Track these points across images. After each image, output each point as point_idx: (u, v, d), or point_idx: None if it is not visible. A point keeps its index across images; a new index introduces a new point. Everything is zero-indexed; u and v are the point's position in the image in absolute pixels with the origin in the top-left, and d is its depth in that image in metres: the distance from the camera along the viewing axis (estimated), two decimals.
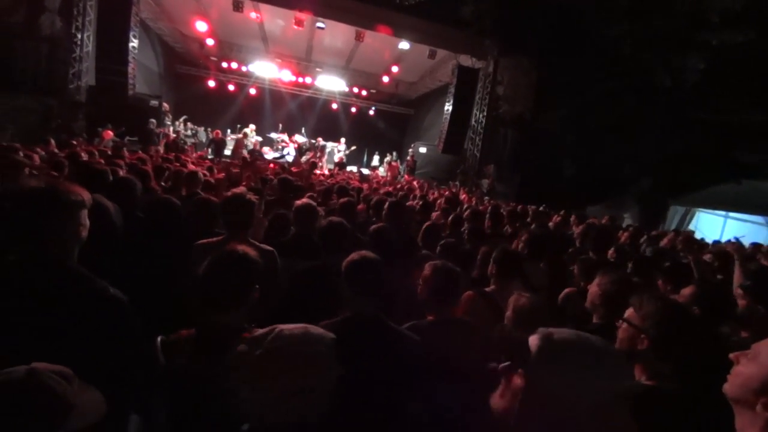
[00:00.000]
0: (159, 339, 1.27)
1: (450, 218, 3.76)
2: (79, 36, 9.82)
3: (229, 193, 2.15)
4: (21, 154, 3.82)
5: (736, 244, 3.06)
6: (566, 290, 2.43)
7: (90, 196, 1.37)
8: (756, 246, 5.28)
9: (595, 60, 11.28)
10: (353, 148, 16.04)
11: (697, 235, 8.64)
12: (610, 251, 3.79)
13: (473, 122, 13.13)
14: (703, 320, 1.70)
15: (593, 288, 1.82)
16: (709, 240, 7.51)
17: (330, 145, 15.87)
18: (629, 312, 1.38)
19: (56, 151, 5.40)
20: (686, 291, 1.84)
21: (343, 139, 16.09)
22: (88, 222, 1.35)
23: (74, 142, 6.70)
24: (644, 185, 12.88)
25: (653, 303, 1.34)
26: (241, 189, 2.24)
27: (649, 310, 1.32)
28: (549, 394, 0.84)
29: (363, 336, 1.45)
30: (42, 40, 9.37)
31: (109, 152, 5.87)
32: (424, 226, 2.90)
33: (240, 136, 13.87)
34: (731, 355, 0.92)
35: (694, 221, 13.65)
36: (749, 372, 0.85)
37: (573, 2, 10.70)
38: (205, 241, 2.01)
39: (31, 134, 7.99)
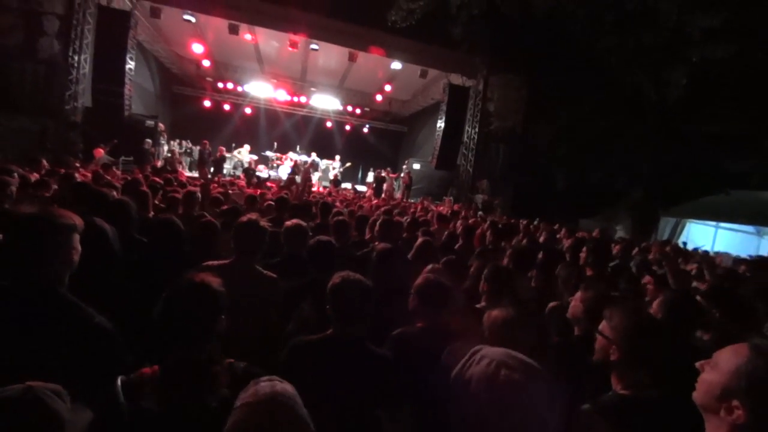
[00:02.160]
0: (119, 380, 1.15)
1: (444, 234, 3.83)
2: (77, 58, 9.98)
3: (244, 219, 2.11)
4: (16, 175, 3.86)
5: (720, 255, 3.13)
6: (551, 304, 2.47)
7: (82, 221, 1.38)
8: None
9: (584, 75, 11.61)
10: (348, 164, 16.20)
11: (689, 246, 8.76)
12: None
13: (465, 138, 13.36)
14: (672, 328, 1.75)
15: (575, 301, 1.87)
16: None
17: (325, 162, 16.06)
18: (602, 324, 1.42)
19: (50, 170, 5.44)
20: (655, 301, 1.91)
21: (338, 157, 16.26)
22: (80, 247, 1.36)
23: (77, 164, 6.75)
24: (636, 197, 13.07)
25: (621, 314, 1.38)
26: (254, 215, 2.18)
27: (617, 322, 1.36)
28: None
29: (341, 360, 1.48)
30: (40, 63, 9.53)
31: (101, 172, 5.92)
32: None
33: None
34: (697, 364, 0.98)
35: (685, 232, 13.79)
36: (711, 379, 0.91)
37: (560, 19, 11.06)
38: (212, 263, 1.97)
39: (27, 155, 8.04)
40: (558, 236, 5.61)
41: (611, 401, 1.31)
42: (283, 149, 16.14)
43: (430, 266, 1.93)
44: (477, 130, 13.02)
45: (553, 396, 0.79)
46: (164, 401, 1.14)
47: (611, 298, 1.93)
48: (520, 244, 4.46)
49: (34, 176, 4.59)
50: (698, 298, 1.96)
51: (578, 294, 1.97)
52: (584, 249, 3.85)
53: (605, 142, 12.11)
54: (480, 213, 9.84)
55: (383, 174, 14.04)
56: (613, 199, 13.12)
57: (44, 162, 6.36)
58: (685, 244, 6.47)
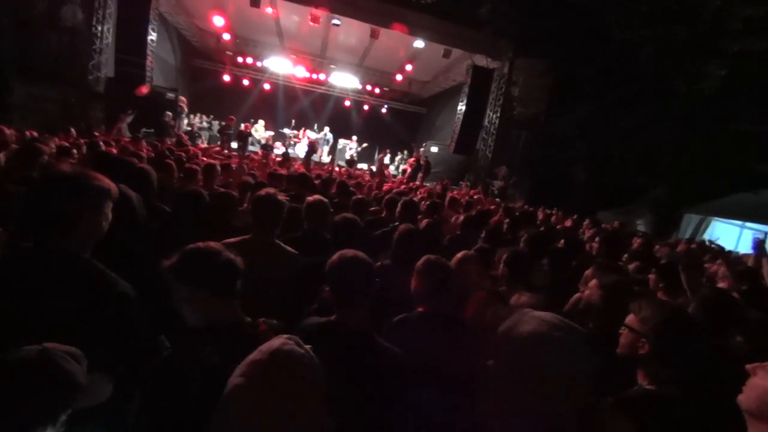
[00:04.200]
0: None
1: (462, 219, 3.77)
2: (99, 28, 10.00)
3: (262, 192, 2.07)
4: (53, 145, 3.92)
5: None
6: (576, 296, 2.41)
7: (116, 189, 1.34)
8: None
9: (613, 64, 11.11)
10: (365, 145, 16.07)
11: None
12: (624, 256, 3.75)
13: (486, 123, 13.05)
14: (705, 327, 1.68)
15: (593, 290, 1.81)
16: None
17: (342, 142, 15.95)
18: (629, 317, 1.38)
19: (80, 140, 5.53)
20: (693, 298, 1.83)
21: (354, 137, 16.12)
22: (110, 216, 1.31)
23: (96, 133, 6.85)
24: (658, 193, 12.66)
25: (652, 307, 1.33)
26: (271, 189, 2.16)
27: (648, 314, 1.32)
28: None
29: (345, 351, 1.32)
30: (63, 31, 9.55)
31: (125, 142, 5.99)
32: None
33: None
34: (748, 367, 0.92)
35: (708, 230, 13.35)
36: (766, 385, 0.85)
37: (592, 5, 10.54)
38: (231, 240, 1.91)
39: (50, 124, 8.17)
40: (581, 228, 5.49)
41: (636, 396, 1.27)
42: (301, 127, 16.07)
43: (461, 253, 1.88)
44: (498, 114, 12.67)
45: (595, 364, 0.80)
46: (220, 358, 1.15)
47: (633, 290, 1.87)
48: (533, 231, 4.39)
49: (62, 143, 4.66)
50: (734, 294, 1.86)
51: (594, 281, 1.91)
52: (596, 239, 3.76)
53: (629, 136, 11.68)
54: (497, 200, 9.69)
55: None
56: (635, 193, 12.74)
57: (73, 131, 6.48)
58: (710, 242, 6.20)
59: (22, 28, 8.85)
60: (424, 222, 3.04)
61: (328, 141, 15.31)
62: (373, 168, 13.59)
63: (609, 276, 1.92)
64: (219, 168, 3.45)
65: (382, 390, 1.33)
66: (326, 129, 15.52)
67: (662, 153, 11.60)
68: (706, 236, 12.02)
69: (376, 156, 18.38)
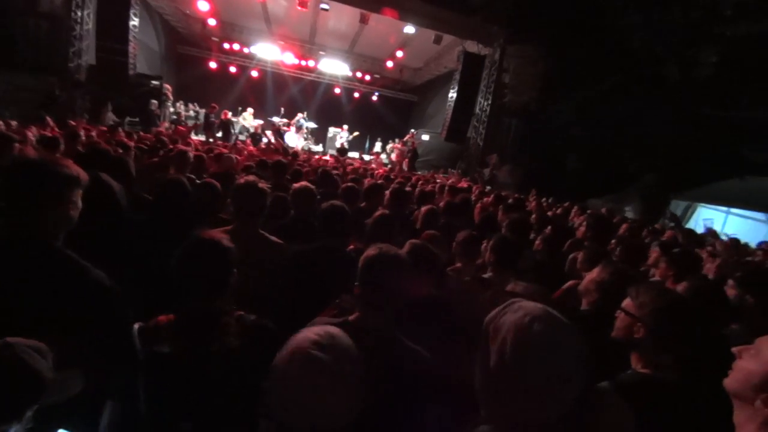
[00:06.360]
0: (137, 326, 1.22)
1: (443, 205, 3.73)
2: (79, 13, 9.64)
3: (242, 180, 2.03)
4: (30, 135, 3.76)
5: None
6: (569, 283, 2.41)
7: (86, 176, 1.31)
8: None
9: (606, 51, 11.07)
10: (356, 133, 15.91)
11: (698, 231, 8.61)
12: (612, 242, 3.77)
13: (478, 110, 12.98)
14: (700, 312, 1.69)
15: (591, 275, 1.82)
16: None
17: (332, 130, 15.76)
18: (626, 301, 1.37)
19: (56, 129, 5.36)
20: (681, 285, 1.84)
21: (345, 126, 15.96)
22: (80, 203, 1.29)
23: (72, 123, 6.63)
24: (649, 180, 12.80)
25: (650, 292, 1.33)
26: (252, 177, 2.11)
27: (645, 299, 1.31)
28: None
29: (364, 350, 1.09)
30: (42, 17, 9.17)
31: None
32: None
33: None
34: (734, 349, 0.91)
35: (694, 216, 13.59)
36: (751, 367, 0.85)
37: None
38: (215, 231, 1.91)
39: (31, 113, 7.89)
40: (570, 215, 5.51)
41: (632, 380, 1.27)
42: (290, 115, 15.82)
43: (427, 233, 1.85)
44: (490, 102, 12.60)
45: (582, 358, 0.77)
46: (177, 346, 1.21)
47: (631, 277, 1.87)
48: (517, 215, 4.38)
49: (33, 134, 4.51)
50: (730, 282, 1.88)
51: (597, 268, 1.92)
52: (583, 224, 3.75)
53: (621, 125, 11.72)
54: (487, 188, 9.70)
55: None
56: (626, 181, 12.85)
57: (49, 120, 6.28)
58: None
59: None
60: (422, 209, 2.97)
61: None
62: (366, 157, 13.49)
63: (609, 265, 1.91)
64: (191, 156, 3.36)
65: (403, 395, 1.19)
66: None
67: (656, 140, 11.68)
68: (692, 222, 12.21)
69: (367, 144, 18.25)
